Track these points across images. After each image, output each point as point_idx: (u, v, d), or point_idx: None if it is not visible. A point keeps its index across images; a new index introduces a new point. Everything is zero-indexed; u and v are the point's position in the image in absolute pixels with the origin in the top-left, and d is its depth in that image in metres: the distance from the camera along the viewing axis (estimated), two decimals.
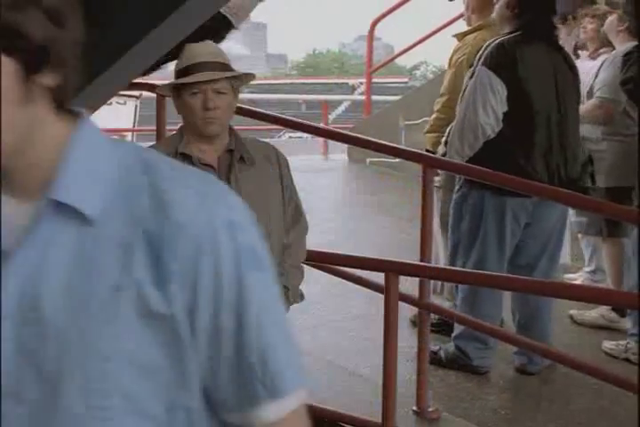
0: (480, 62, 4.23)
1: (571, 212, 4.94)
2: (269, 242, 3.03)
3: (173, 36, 3.32)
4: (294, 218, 3.17)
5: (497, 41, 4.29)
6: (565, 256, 6.24)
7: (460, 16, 9.55)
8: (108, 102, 6.58)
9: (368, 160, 9.22)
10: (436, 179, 4.59)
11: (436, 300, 4.49)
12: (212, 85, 2.92)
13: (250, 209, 3.10)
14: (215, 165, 2.99)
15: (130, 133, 12.68)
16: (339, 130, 5.38)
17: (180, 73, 2.97)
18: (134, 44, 3.25)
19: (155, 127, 5.00)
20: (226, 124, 2.99)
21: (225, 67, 2.97)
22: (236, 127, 3.13)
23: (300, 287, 3.25)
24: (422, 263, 3.99)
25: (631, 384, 3.52)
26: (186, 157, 2.95)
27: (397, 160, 7.02)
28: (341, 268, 4.31)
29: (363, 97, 12.50)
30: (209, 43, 3.08)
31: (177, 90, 2.97)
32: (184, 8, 3.06)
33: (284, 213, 3.11)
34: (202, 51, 2.98)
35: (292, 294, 3.16)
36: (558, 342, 4.79)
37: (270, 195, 3.06)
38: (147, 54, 3.48)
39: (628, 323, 4.78)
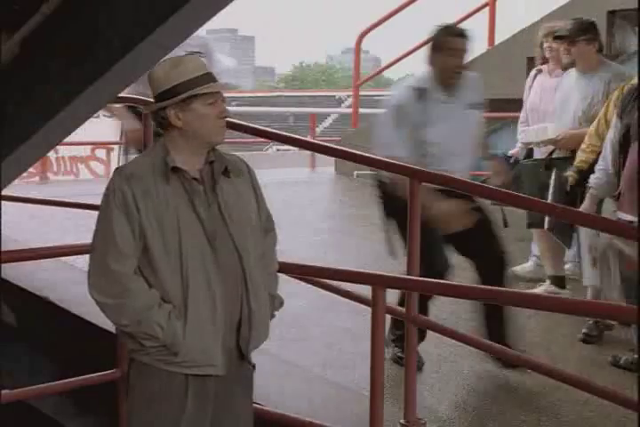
0: None
1: None
2: (256, 249, 3.07)
3: (158, 51, 3.34)
4: (267, 227, 3.21)
5: None
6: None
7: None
8: (95, 115, 6.59)
9: (355, 173, 9.24)
10: None
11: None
12: (219, 96, 2.99)
13: (235, 220, 3.12)
14: (198, 177, 3.00)
15: (117, 146, 12.67)
16: (326, 143, 5.39)
17: (187, 84, 2.94)
18: (120, 58, 3.27)
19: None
20: None
21: None
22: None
23: (286, 300, 3.27)
24: (409, 276, 3.99)
25: (618, 397, 3.53)
26: (175, 171, 2.96)
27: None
28: (328, 281, 4.31)
29: (350, 110, 12.53)
30: (197, 56, 3.09)
31: (184, 101, 2.96)
32: (168, 25, 3.07)
33: (260, 223, 3.14)
34: (201, 63, 3.01)
35: (276, 302, 3.20)
36: (546, 353, 4.81)
37: (249, 205, 3.11)
38: (133, 68, 3.49)
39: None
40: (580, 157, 5.17)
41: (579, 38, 5.56)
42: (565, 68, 5.86)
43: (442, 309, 5.12)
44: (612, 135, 4.68)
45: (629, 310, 3.06)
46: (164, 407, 2.99)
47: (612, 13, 7.61)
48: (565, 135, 5.60)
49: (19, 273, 5.40)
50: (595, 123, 5.13)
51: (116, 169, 3.06)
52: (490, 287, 3.87)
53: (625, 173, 4.53)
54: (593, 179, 4.80)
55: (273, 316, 3.20)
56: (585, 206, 4.83)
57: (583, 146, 5.17)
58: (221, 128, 3.01)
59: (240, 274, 2.99)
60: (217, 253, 2.96)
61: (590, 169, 4.96)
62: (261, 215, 3.16)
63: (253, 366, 3.12)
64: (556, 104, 5.82)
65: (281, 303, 3.25)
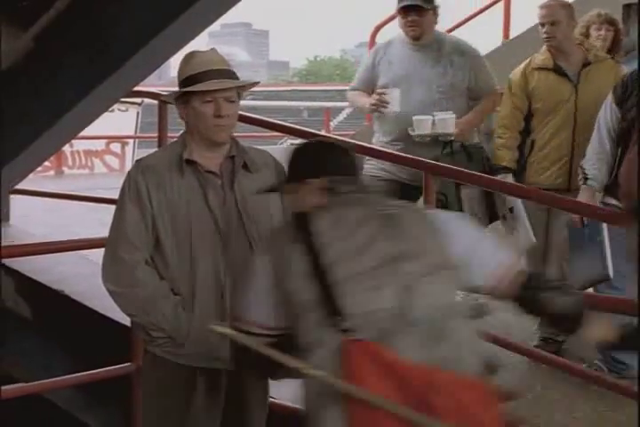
0: None
1: None
2: None
3: (172, 45, 3.33)
4: None
5: None
6: None
7: (460, 24, 9.58)
8: (110, 109, 6.60)
9: None
10: None
11: None
12: (224, 93, 2.93)
13: (253, 216, 3.06)
14: (217, 171, 2.99)
15: (132, 140, 12.69)
16: (340, 137, 5.37)
17: (189, 80, 2.95)
18: (134, 53, 3.26)
19: (156, 134, 5.00)
20: (233, 131, 3.01)
21: (233, 74, 2.98)
22: (237, 134, 3.13)
23: None
24: None
25: (631, 390, 3.52)
26: (190, 164, 2.96)
27: None
28: None
29: None
30: (214, 50, 3.07)
31: (185, 97, 2.96)
32: (182, 19, 3.07)
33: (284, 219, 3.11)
34: (210, 58, 2.98)
35: None
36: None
37: (271, 201, 3.06)
38: (147, 63, 3.49)
39: None
40: (506, 155, 4.83)
41: (429, 7, 5.15)
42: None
43: None
44: (609, 123, 4.34)
45: (629, 303, 3.07)
46: (173, 399, 3.01)
47: (627, 7, 7.56)
48: (464, 127, 5.00)
49: (34, 266, 5.42)
50: (506, 117, 4.88)
51: (136, 161, 3.09)
52: None
53: (624, 168, 4.04)
54: (591, 169, 4.40)
55: None
56: (583, 200, 4.41)
57: (500, 143, 4.85)
58: (218, 127, 2.94)
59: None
60: (228, 248, 2.95)
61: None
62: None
63: None
64: (392, 78, 5.14)
65: None
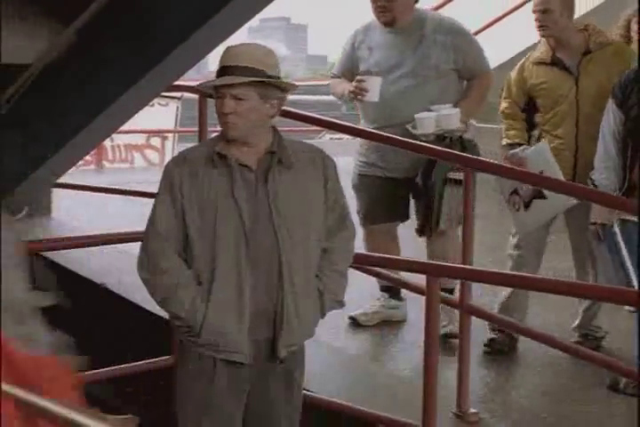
0: None
1: None
2: (308, 244, 3.02)
3: (213, 39, 3.34)
4: (339, 223, 3.11)
5: None
6: None
7: (497, 20, 9.52)
8: (150, 103, 6.63)
9: None
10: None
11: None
12: (231, 90, 2.89)
13: (284, 213, 3.03)
14: (254, 166, 2.98)
15: (172, 135, 12.74)
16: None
17: (216, 75, 2.98)
18: (176, 47, 3.28)
19: (197, 128, 5.01)
20: (247, 129, 2.92)
21: (253, 71, 2.89)
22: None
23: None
24: (462, 265, 3.97)
25: None
26: (222, 157, 2.97)
27: None
28: (382, 270, 4.31)
29: None
30: (248, 44, 3.04)
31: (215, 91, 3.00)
32: (223, 13, 3.07)
33: (325, 217, 3.07)
34: (234, 53, 2.95)
35: (327, 298, 3.09)
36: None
37: (311, 198, 3.03)
38: (188, 57, 3.50)
39: None
40: (518, 133, 4.76)
41: None
42: None
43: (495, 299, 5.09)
44: (613, 126, 4.20)
45: (631, 294, 3.04)
46: (196, 388, 3.05)
47: None
48: (463, 119, 4.80)
49: (74, 259, 5.47)
50: (507, 110, 4.80)
51: (178, 153, 3.14)
52: (538, 276, 3.84)
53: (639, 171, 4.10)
54: (600, 179, 4.24)
55: (323, 315, 3.12)
56: (596, 210, 4.26)
57: (509, 127, 4.78)
58: (225, 124, 2.93)
59: (276, 267, 2.95)
60: (252, 243, 2.93)
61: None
62: (330, 209, 3.08)
63: (281, 361, 3.03)
64: (373, 64, 4.90)
65: (339, 302, 3.16)
